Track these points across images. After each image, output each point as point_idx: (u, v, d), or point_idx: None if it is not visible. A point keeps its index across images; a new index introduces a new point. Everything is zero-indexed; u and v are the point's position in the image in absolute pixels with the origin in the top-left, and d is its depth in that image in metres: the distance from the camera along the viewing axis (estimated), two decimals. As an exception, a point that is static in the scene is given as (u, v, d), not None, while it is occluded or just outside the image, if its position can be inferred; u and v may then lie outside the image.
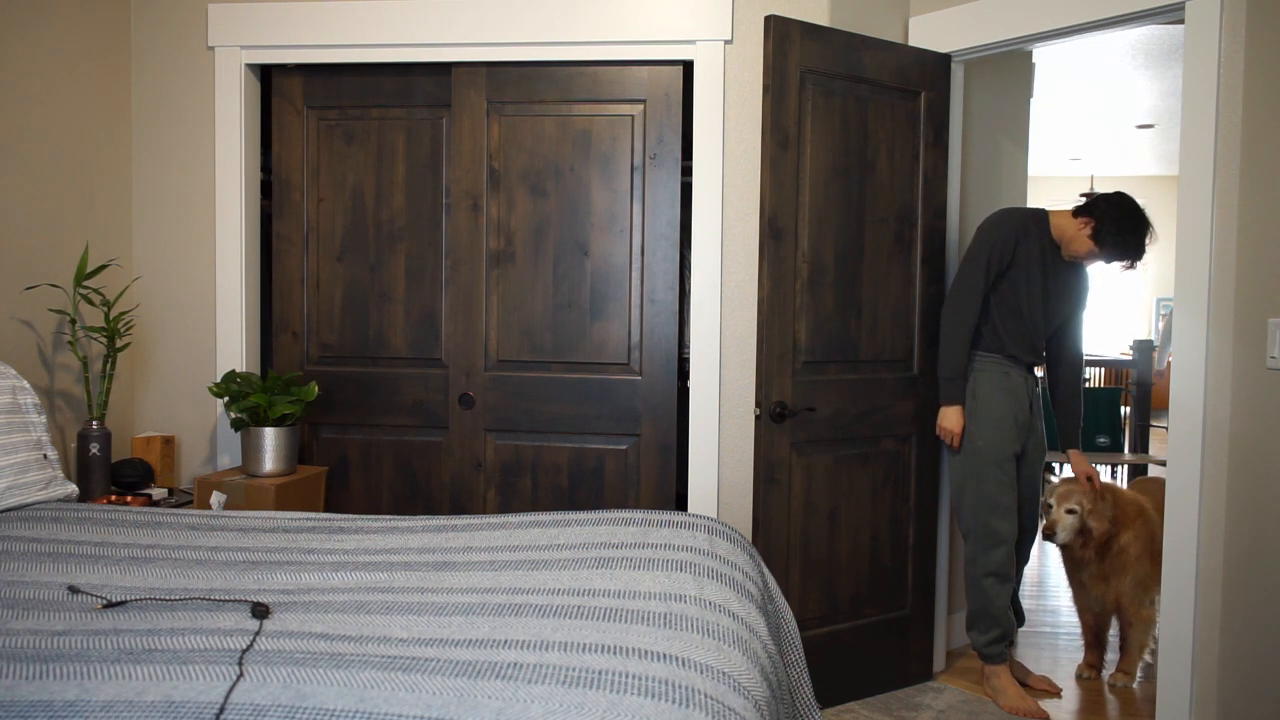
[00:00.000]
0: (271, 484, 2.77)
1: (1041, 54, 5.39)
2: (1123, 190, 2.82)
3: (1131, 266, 2.80)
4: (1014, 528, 2.91)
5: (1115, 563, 3.02)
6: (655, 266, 3.05)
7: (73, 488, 2.42)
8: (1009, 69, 3.51)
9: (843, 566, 2.91)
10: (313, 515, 2.22)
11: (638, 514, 2.11)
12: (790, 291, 2.75)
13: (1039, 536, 3.07)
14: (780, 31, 2.67)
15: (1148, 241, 2.76)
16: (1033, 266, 2.86)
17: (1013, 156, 3.57)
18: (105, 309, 2.86)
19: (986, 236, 2.86)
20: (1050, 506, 3.05)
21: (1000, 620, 2.91)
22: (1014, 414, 2.90)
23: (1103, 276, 11.27)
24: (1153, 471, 5.12)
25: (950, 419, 2.88)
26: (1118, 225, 2.74)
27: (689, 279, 3.10)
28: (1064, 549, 3.10)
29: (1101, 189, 10.37)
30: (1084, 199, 2.87)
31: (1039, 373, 3.09)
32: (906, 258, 2.97)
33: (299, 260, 3.21)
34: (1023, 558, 3.10)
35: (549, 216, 3.08)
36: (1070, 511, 3.00)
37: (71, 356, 2.92)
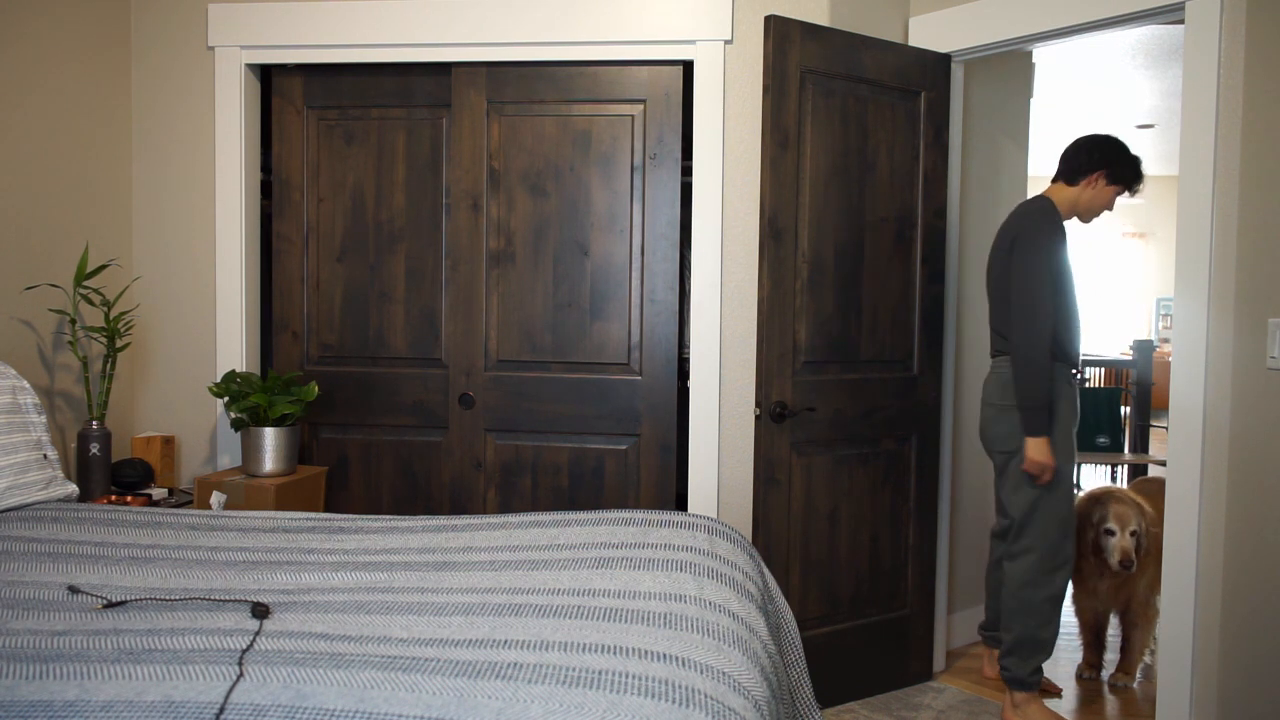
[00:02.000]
0: (271, 484, 2.77)
1: (1041, 54, 5.38)
2: (1080, 138, 2.85)
3: (1143, 179, 2.83)
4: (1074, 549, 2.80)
5: (1137, 568, 3.01)
6: (655, 266, 3.05)
7: (73, 488, 2.42)
8: (1009, 69, 3.51)
9: (843, 566, 2.91)
10: (313, 515, 2.22)
11: (638, 514, 2.11)
12: (790, 291, 2.75)
13: (1115, 566, 2.93)
14: (780, 31, 2.67)
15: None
16: (1068, 259, 2.79)
17: (1013, 156, 3.57)
18: (105, 309, 2.86)
19: (1044, 239, 2.65)
20: (1113, 533, 2.93)
21: (1047, 647, 2.75)
22: (1073, 426, 2.77)
23: (1104, 276, 11.27)
24: (1153, 471, 5.12)
25: (1044, 451, 2.63)
26: (1119, 156, 2.76)
27: (689, 279, 3.10)
28: (1096, 557, 3.05)
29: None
30: (1060, 172, 2.85)
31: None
32: (906, 258, 2.97)
33: (299, 260, 3.21)
34: None
35: (549, 216, 3.08)
36: (1133, 533, 2.93)
37: (71, 356, 2.92)
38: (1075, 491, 2.98)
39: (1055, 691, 3.04)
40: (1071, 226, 11.20)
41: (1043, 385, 2.61)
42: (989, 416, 2.83)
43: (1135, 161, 2.80)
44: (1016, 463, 2.75)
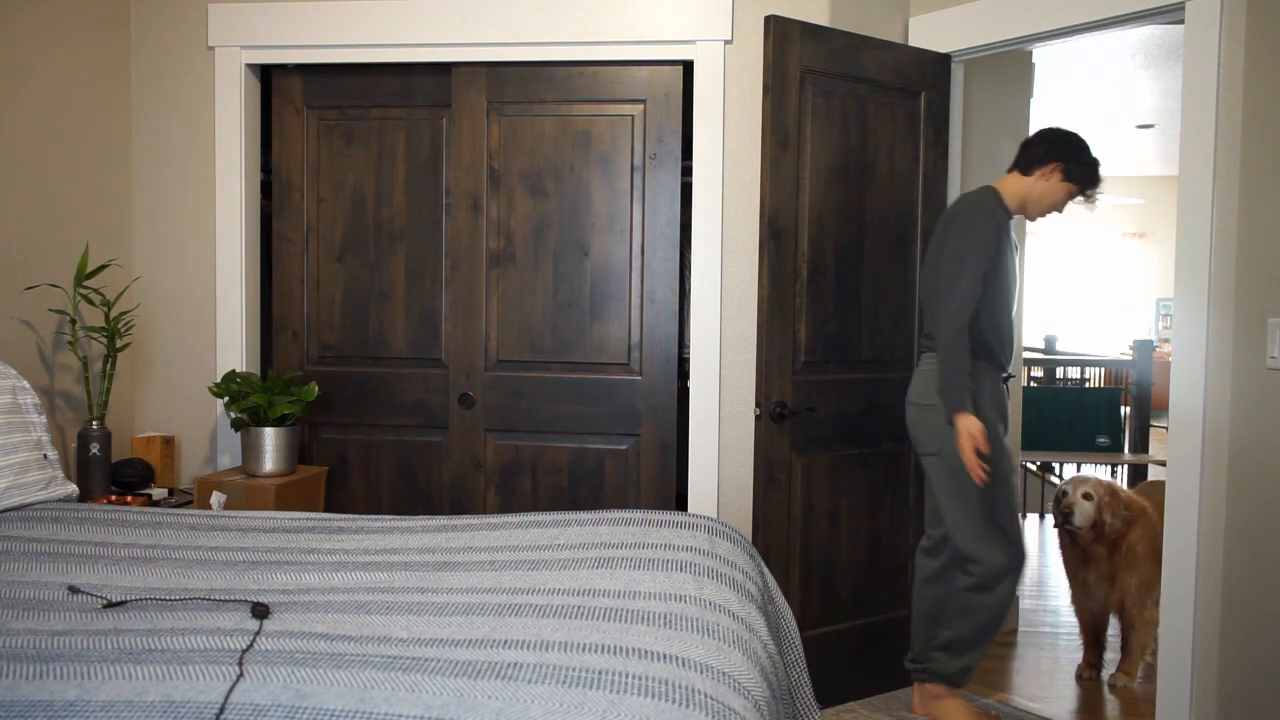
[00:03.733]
0: (271, 484, 2.77)
1: (1041, 54, 5.38)
2: (1046, 128, 2.65)
3: (1100, 185, 2.63)
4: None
5: (1123, 562, 3.03)
6: (655, 266, 3.05)
7: (73, 488, 2.42)
8: (1009, 69, 3.51)
9: (842, 566, 2.91)
10: (313, 515, 2.22)
11: (638, 514, 2.11)
12: (790, 291, 2.75)
13: (1057, 522, 3.03)
14: (780, 31, 2.67)
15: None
16: (1010, 258, 2.62)
17: (1013, 156, 3.56)
18: (105, 309, 2.86)
19: (980, 226, 2.52)
20: (1066, 493, 3.05)
21: (982, 649, 2.65)
22: (1000, 430, 2.62)
23: (1104, 276, 11.26)
24: (1152, 471, 5.12)
25: (971, 423, 2.44)
26: (1078, 153, 2.59)
27: (689, 279, 3.10)
28: (1072, 545, 3.10)
29: (1102, 189, 10.34)
30: (1016, 161, 2.66)
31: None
32: (906, 258, 2.97)
33: (299, 260, 3.21)
34: None
35: (549, 216, 3.08)
36: (1086, 497, 3.01)
37: (71, 356, 2.92)
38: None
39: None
40: (1075, 227, 11.20)
41: (963, 366, 2.44)
42: (912, 417, 2.66)
43: (1095, 163, 2.62)
44: (938, 464, 2.59)
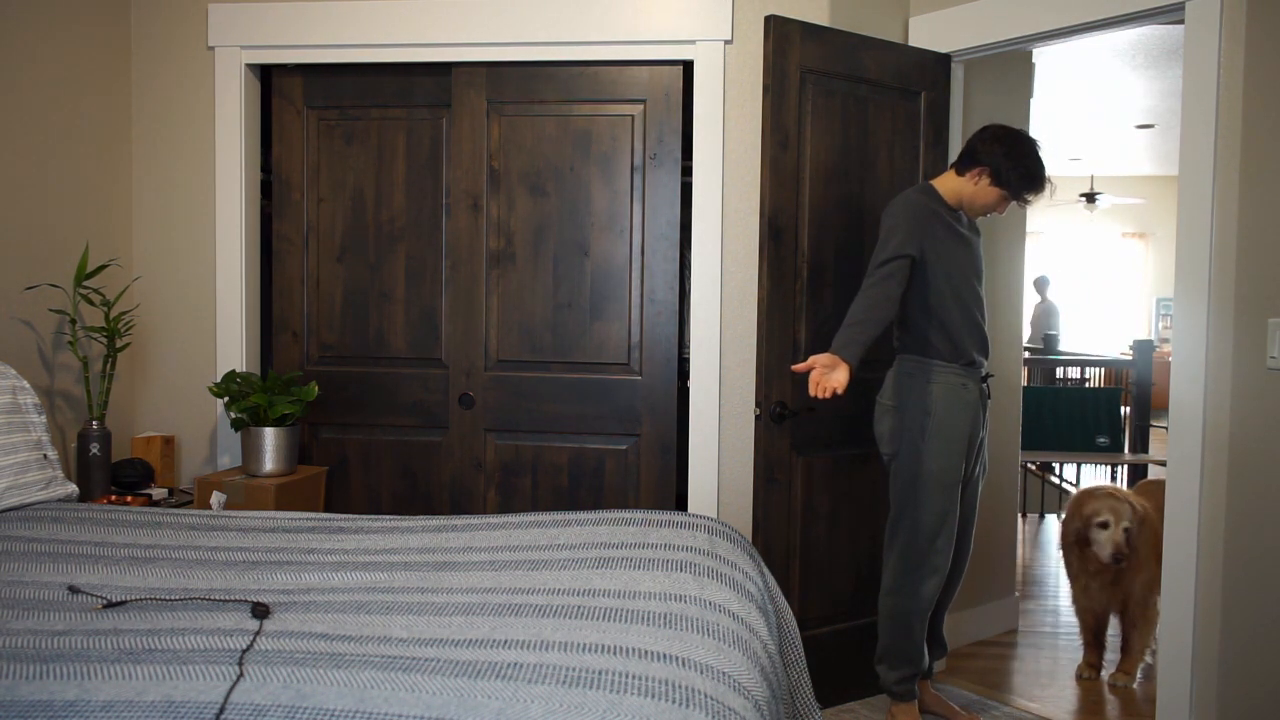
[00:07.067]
0: (271, 484, 2.77)
1: (1041, 54, 5.39)
2: (990, 124, 2.59)
3: (1040, 191, 2.55)
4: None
5: (1128, 565, 3.02)
6: (655, 266, 3.05)
7: (73, 488, 2.42)
8: (1009, 69, 3.51)
9: (843, 566, 2.91)
10: (313, 515, 2.22)
11: (638, 514, 2.11)
12: (790, 291, 2.75)
13: (1107, 559, 2.94)
14: (780, 31, 2.67)
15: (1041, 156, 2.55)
16: (958, 249, 2.58)
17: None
18: (105, 309, 2.86)
19: (900, 220, 2.52)
20: (1107, 525, 2.95)
21: (915, 660, 2.63)
22: (958, 430, 2.58)
23: (1104, 276, 11.27)
24: (1152, 471, 5.12)
25: (830, 359, 2.43)
26: (1010, 157, 2.50)
27: (689, 279, 3.10)
28: (1080, 554, 3.08)
29: (1101, 189, 10.37)
30: (957, 157, 2.64)
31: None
32: (906, 258, 2.97)
33: (299, 260, 3.21)
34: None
35: (549, 216, 3.08)
36: (1125, 529, 2.95)
37: (71, 356, 2.92)
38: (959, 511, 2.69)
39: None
40: (1075, 227, 11.20)
41: (860, 336, 2.42)
42: (876, 414, 2.69)
43: (1030, 169, 2.52)
44: (895, 468, 2.62)
